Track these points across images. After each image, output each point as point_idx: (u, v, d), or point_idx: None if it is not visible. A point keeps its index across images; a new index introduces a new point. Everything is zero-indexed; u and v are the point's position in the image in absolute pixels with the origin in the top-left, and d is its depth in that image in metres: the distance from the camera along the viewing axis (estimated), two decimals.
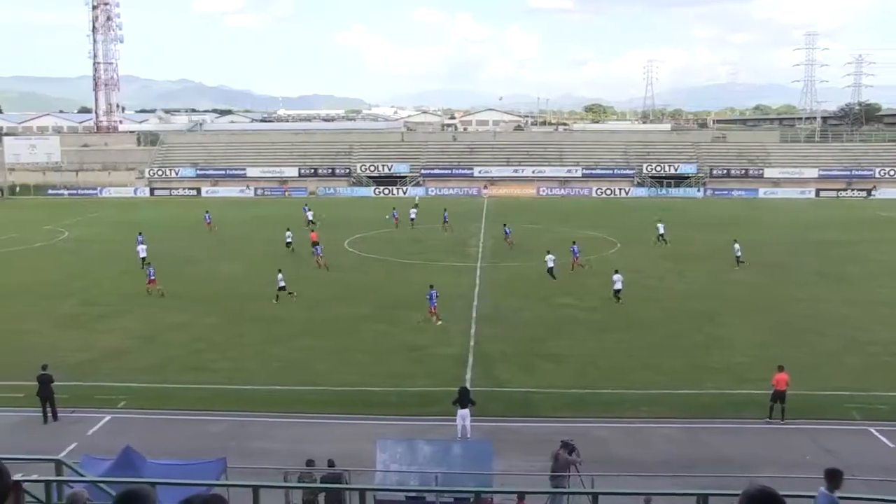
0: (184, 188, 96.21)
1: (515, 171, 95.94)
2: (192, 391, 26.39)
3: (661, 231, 55.50)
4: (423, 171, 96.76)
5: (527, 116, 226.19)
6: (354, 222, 66.97)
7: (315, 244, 49.96)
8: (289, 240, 53.15)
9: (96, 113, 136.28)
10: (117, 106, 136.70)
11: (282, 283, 39.44)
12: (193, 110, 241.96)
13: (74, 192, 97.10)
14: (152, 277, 40.99)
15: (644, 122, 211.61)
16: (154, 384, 27.02)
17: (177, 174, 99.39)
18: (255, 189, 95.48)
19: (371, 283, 43.44)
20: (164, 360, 29.80)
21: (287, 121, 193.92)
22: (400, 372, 28.20)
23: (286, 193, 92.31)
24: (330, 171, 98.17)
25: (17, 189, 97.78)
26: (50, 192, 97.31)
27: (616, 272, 38.97)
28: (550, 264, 43.23)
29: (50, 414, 23.94)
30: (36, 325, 34.99)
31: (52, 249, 56.04)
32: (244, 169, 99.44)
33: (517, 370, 28.40)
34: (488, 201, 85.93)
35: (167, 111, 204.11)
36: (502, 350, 30.84)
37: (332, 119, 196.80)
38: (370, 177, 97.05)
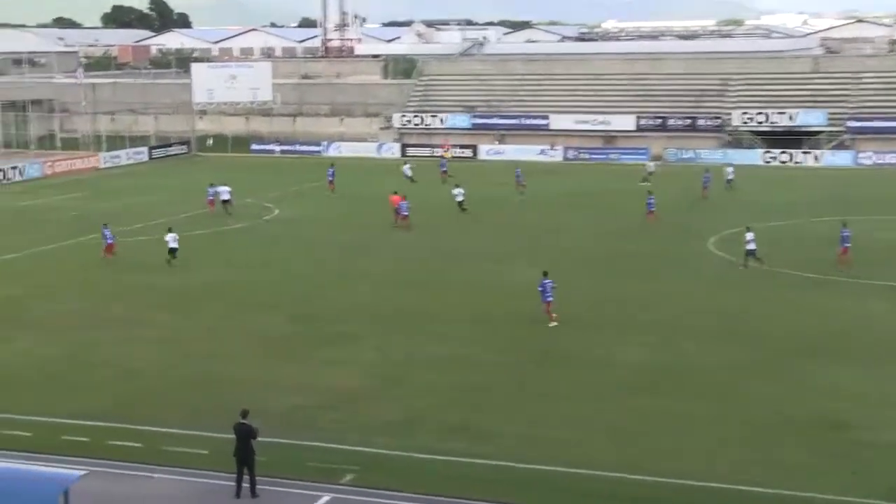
0: (451, 145, 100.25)
1: None
2: (460, 466, 27.18)
3: None
4: (848, 125, 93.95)
5: None
6: (721, 209, 66.45)
7: (396, 210, 62.24)
8: (460, 198, 65.88)
9: (324, 27, 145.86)
10: (355, 17, 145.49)
11: (172, 245, 51.18)
12: (469, 22, 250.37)
13: (290, 147, 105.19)
14: (110, 241, 53.07)
15: None
16: (399, 451, 28.18)
17: (442, 123, 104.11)
18: (565, 150, 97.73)
19: (756, 311, 42.94)
20: (415, 414, 31.07)
21: (618, 39, 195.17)
22: (804, 464, 27.38)
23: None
24: (688, 121, 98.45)
25: (210, 142, 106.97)
26: (254, 147, 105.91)
27: None
28: (752, 246, 49.73)
29: (247, 485, 25.67)
30: (230, 348, 38.09)
31: (254, 234, 60.92)
32: (546, 117, 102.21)
33: None
34: None
35: (429, 24, 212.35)
36: None
37: (694, 36, 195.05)
38: (756, 132, 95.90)
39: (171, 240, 51.88)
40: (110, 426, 29.92)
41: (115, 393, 33.19)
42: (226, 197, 67.80)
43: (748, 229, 50.66)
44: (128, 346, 38.25)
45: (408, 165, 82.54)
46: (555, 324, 39.89)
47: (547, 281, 40.24)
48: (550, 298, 40.11)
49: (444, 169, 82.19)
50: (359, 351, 37.61)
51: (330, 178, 77.87)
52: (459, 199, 66.47)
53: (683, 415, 30.99)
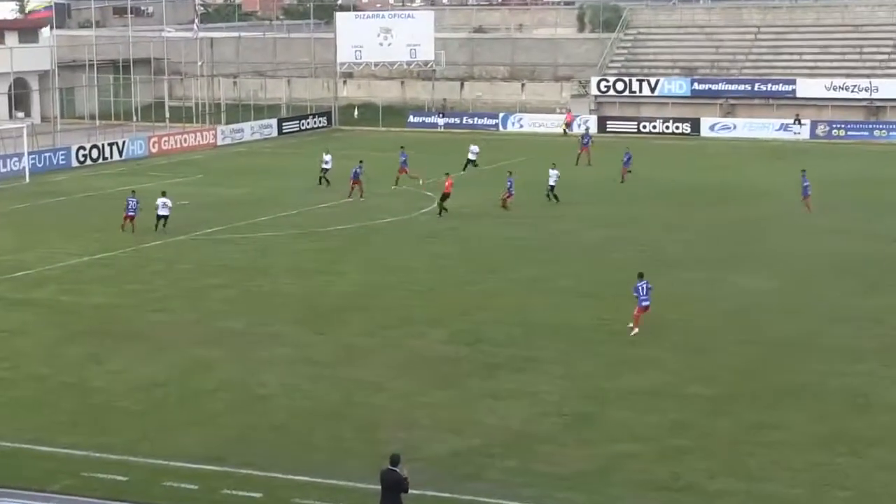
0: (662, 119, 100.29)
1: None
2: None
3: None
4: None
5: None
6: None
7: (444, 196, 63.91)
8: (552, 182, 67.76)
9: None
10: None
11: (162, 211, 58.09)
12: None
13: (456, 120, 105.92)
14: (131, 213, 58.73)
15: None
16: None
17: (653, 90, 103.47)
18: (814, 124, 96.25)
19: None
20: (607, 462, 30.67)
21: None
22: None
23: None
24: None
25: (357, 113, 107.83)
26: (411, 118, 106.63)
27: None
28: None
29: None
30: (375, 373, 38.11)
31: (408, 230, 61.56)
32: (792, 81, 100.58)
33: None
34: None
35: None
36: None
37: None
38: None
39: (161, 206, 57.53)
40: (225, 470, 29.98)
41: (232, 427, 33.32)
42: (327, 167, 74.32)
43: None
44: (249, 369, 38.51)
45: (476, 146, 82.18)
46: (636, 331, 41.61)
47: (642, 283, 41.72)
48: (648, 303, 41.51)
49: (587, 144, 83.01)
50: (536, 380, 37.32)
51: (402, 162, 75.16)
52: (552, 182, 68.26)
53: None
